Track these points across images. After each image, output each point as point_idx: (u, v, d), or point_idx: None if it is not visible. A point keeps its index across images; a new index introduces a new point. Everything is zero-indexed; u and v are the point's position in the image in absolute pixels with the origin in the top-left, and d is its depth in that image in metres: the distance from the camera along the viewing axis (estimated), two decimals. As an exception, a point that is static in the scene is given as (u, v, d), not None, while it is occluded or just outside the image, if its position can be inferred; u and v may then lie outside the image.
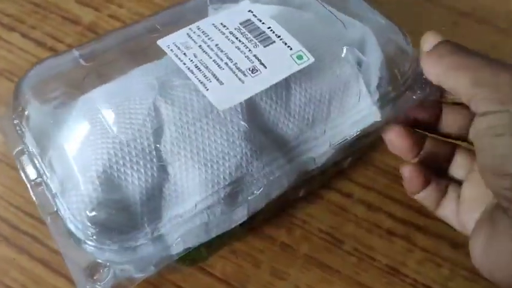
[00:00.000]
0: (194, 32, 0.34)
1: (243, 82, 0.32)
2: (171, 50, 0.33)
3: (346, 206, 0.43)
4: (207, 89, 0.32)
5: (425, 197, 0.38)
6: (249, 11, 0.35)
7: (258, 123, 0.33)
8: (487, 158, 0.31)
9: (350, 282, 0.39)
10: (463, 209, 0.37)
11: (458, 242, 0.41)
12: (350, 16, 0.38)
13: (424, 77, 0.35)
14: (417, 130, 0.38)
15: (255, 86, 0.32)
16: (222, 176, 0.32)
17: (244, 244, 0.40)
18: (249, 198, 0.33)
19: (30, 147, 0.33)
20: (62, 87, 0.34)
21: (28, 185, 0.32)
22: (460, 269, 0.40)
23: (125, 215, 0.31)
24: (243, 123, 0.32)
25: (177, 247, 0.32)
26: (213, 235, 0.33)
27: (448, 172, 0.39)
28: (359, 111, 0.35)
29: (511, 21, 0.53)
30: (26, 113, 0.33)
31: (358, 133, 0.35)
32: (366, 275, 0.40)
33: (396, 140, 0.37)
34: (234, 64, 0.33)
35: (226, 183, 0.32)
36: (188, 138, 0.32)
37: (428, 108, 0.38)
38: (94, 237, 0.30)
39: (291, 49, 0.33)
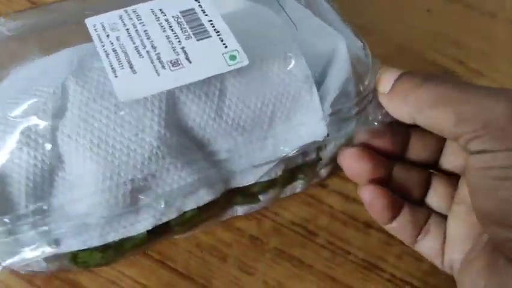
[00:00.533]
0: (128, 15, 0.32)
1: (158, 74, 0.29)
2: (95, 29, 0.31)
3: (320, 197, 0.40)
4: (116, 76, 0.29)
5: (398, 228, 0.33)
6: (196, 0, 0.33)
7: (179, 121, 0.31)
8: (487, 203, 0.27)
9: (322, 278, 0.37)
10: (451, 248, 0.32)
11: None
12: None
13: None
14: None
15: (171, 80, 0.29)
16: (122, 174, 0.29)
17: (209, 237, 0.38)
18: (153, 203, 0.30)
19: None
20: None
21: None
22: (442, 263, 0.37)
23: (4, 194, 0.28)
24: (157, 119, 0.29)
25: (66, 244, 0.30)
26: (110, 239, 0.31)
27: (425, 202, 0.34)
28: (303, 124, 0.32)
29: (498, 3, 0.51)
30: None
31: (298, 150, 0.32)
32: (340, 269, 0.37)
33: (352, 164, 0.32)
34: (157, 54, 0.30)
35: (127, 180, 0.29)
36: (90, 126, 0.29)
37: (394, 134, 0.33)
38: None
39: (226, 47, 0.30)
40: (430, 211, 0.34)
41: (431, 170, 0.34)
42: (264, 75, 0.31)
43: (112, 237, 0.31)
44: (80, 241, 0.30)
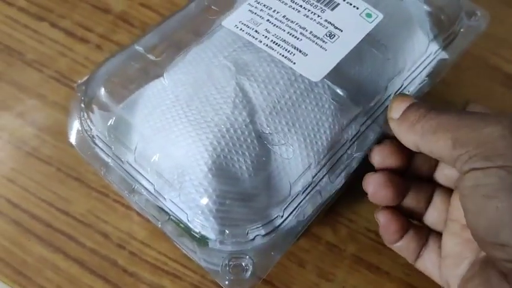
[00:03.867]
0: (256, 7, 0.33)
1: (325, 49, 0.31)
2: (241, 29, 0.32)
3: (394, 204, 0.40)
4: (294, 63, 0.31)
5: (403, 247, 0.34)
6: None
7: (341, 85, 0.32)
8: (479, 222, 0.27)
9: (400, 284, 0.38)
10: (445, 264, 0.33)
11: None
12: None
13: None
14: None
15: (338, 51, 0.31)
16: (320, 143, 0.31)
17: (288, 243, 0.38)
18: (348, 163, 0.32)
19: (118, 157, 0.31)
20: (137, 85, 0.32)
21: (126, 195, 0.31)
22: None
23: (246, 204, 0.29)
24: (331, 88, 0.31)
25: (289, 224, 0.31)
26: (315, 207, 0.32)
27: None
28: (427, 56, 0.35)
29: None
30: (102, 117, 0.32)
31: (428, 77, 0.35)
32: (417, 276, 0.37)
33: (379, 191, 0.33)
34: (310, 33, 0.32)
35: (326, 152, 0.31)
36: (281, 112, 0.30)
37: (399, 151, 0.34)
38: (225, 233, 0.29)
39: (357, 8, 0.33)
40: (429, 228, 0.35)
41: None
42: (388, 24, 0.34)
43: (319, 204, 0.31)
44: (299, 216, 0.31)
